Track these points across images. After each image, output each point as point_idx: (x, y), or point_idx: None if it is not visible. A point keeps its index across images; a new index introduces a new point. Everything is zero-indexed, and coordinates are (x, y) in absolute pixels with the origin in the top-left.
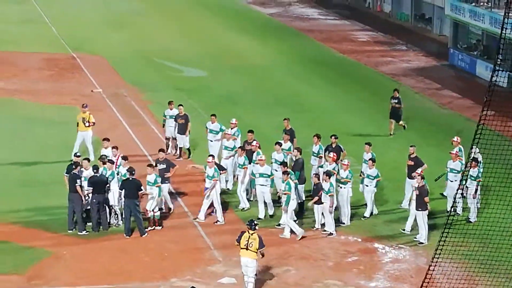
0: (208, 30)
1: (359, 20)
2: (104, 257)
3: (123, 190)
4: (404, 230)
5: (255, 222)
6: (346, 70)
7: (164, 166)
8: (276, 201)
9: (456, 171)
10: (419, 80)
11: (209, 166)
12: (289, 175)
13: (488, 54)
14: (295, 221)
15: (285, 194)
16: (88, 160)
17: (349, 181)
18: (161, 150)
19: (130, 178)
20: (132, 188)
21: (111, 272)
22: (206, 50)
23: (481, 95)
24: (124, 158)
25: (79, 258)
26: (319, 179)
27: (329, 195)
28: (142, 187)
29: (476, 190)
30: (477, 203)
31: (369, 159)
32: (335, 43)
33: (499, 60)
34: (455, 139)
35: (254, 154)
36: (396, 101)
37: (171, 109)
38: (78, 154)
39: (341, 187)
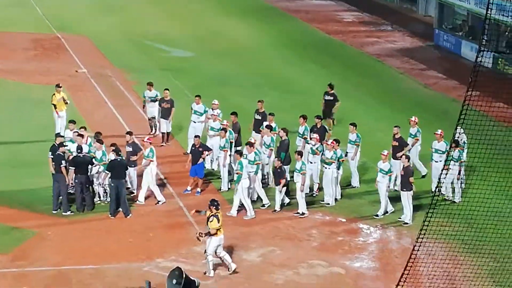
0: (195, 12)
1: (345, 0)
2: (89, 237)
3: (111, 171)
4: (377, 215)
5: (217, 201)
6: (331, 51)
7: (131, 149)
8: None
9: (441, 152)
10: (404, 60)
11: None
12: (242, 155)
13: (473, 35)
14: (253, 201)
15: (237, 173)
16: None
17: (334, 162)
18: (129, 132)
19: (118, 159)
20: (119, 168)
21: (96, 252)
22: (193, 32)
23: (466, 76)
24: (100, 141)
25: (64, 239)
26: (281, 163)
27: (301, 173)
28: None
29: (459, 171)
30: (461, 183)
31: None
32: (321, 23)
33: (484, 40)
34: (412, 118)
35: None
36: (332, 97)
37: (150, 91)
38: (60, 134)
39: (325, 168)
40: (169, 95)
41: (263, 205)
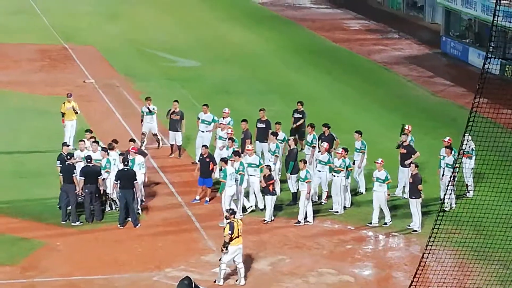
0: (200, 20)
1: (351, 8)
2: (98, 248)
3: (119, 181)
4: (370, 223)
5: (233, 209)
6: (338, 59)
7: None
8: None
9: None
10: (411, 68)
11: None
12: (227, 162)
13: (480, 42)
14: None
15: (220, 181)
16: (98, 143)
17: (343, 170)
18: (132, 140)
19: (125, 169)
20: (128, 178)
21: (105, 263)
22: (199, 41)
23: (474, 83)
24: (104, 149)
25: (72, 249)
26: (270, 170)
27: (306, 182)
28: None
29: (454, 177)
30: (452, 190)
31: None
32: (327, 32)
33: (491, 47)
34: (406, 127)
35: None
36: (300, 115)
37: (148, 105)
38: (68, 143)
39: (334, 176)
40: (178, 107)
41: (249, 207)
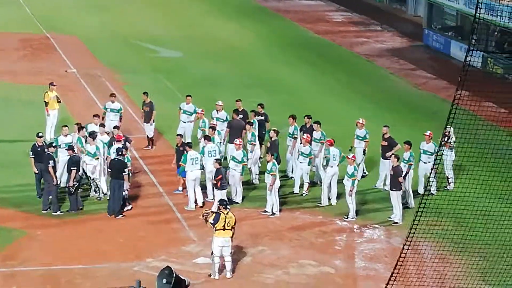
0: (186, 13)
1: (334, 0)
2: (79, 237)
3: (110, 170)
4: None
5: (226, 201)
6: (321, 51)
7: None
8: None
9: (429, 153)
10: (393, 60)
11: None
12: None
13: (462, 35)
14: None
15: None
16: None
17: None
18: (116, 127)
19: (116, 159)
20: (117, 168)
21: (86, 252)
22: (183, 33)
23: (456, 76)
24: (92, 136)
25: (53, 239)
26: (220, 165)
27: (271, 174)
28: (126, 169)
29: (407, 173)
30: (434, 178)
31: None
32: (310, 23)
33: (473, 40)
34: (360, 120)
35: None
36: (263, 117)
37: (112, 102)
38: (40, 134)
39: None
40: (149, 99)
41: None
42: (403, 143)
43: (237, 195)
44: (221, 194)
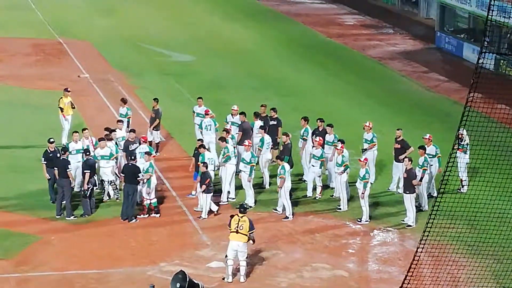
0: (195, 15)
1: (346, 3)
2: (93, 242)
3: (124, 174)
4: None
5: (245, 205)
6: (333, 54)
7: (138, 144)
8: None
9: (430, 156)
10: (406, 63)
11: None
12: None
13: (475, 37)
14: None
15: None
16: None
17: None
18: (132, 130)
19: (130, 164)
20: (131, 173)
21: (99, 257)
22: (193, 36)
23: (468, 78)
24: (102, 139)
25: (67, 243)
26: (206, 168)
27: (280, 177)
28: (140, 174)
29: (422, 178)
30: (422, 189)
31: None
32: (322, 26)
33: (485, 42)
34: (367, 124)
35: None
36: (275, 122)
37: (122, 107)
38: (52, 140)
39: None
40: (158, 105)
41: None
42: (418, 148)
43: (249, 198)
44: (207, 197)
